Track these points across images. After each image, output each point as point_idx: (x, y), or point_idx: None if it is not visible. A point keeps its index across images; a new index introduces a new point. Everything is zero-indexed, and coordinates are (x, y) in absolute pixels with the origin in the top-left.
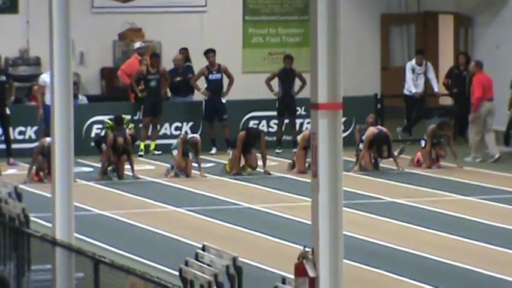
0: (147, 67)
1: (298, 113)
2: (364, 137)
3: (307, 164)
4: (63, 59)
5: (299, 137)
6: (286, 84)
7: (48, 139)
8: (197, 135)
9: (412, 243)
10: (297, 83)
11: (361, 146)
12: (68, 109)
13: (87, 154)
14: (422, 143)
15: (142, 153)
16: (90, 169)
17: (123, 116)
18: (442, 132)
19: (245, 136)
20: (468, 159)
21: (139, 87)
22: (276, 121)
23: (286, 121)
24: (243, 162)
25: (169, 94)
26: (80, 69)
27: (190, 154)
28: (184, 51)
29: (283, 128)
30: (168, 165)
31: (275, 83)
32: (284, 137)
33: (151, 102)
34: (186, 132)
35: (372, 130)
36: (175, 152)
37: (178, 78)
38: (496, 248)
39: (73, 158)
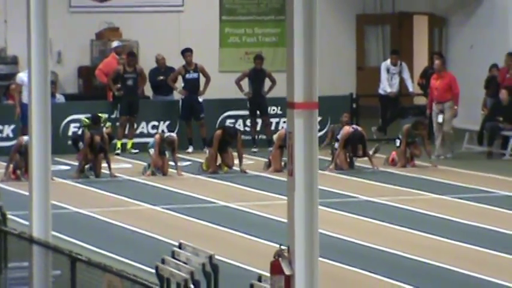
0: (124, 66)
1: (274, 112)
2: (339, 136)
3: (283, 163)
4: (40, 58)
5: (275, 136)
6: (256, 84)
7: (25, 137)
8: (174, 134)
9: (387, 241)
10: (267, 82)
11: (336, 145)
12: (46, 108)
13: (65, 152)
14: (397, 142)
15: (119, 151)
16: (68, 167)
17: (100, 114)
18: (417, 132)
19: (221, 135)
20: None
21: (117, 86)
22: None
23: (259, 120)
24: (219, 161)
25: (148, 93)
26: (57, 68)
27: (167, 153)
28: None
29: (257, 128)
30: (145, 164)
31: (245, 83)
32: (260, 136)
33: (128, 101)
34: (162, 131)
35: (347, 129)
36: (152, 151)
37: (160, 77)
38: (471, 247)
39: (50, 156)
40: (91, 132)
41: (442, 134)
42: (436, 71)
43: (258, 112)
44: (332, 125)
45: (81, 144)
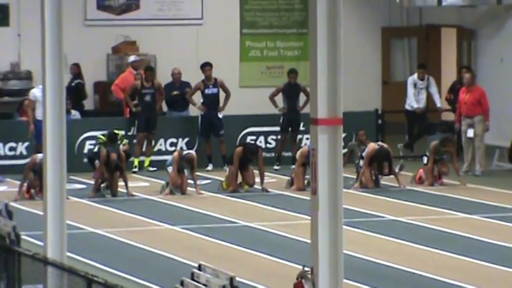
0: (142, 81)
1: (299, 128)
2: (364, 153)
3: (306, 181)
4: (55, 73)
5: (297, 153)
6: (291, 99)
7: (39, 155)
8: (193, 152)
9: (414, 262)
10: (302, 97)
11: (361, 162)
12: (61, 124)
13: (80, 171)
14: (425, 160)
15: (136, 169)
16: (83, 186)
17: (117, 131)
18: (445, 149)
19: (242, 152)
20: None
21: (134, 102)
22: (273, 137)
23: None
24: (240, 179)
25: (165, 109)
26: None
27: (185, 171)
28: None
29: (284, 145)
30: (163, 182)
31: (279, 98)
32: (283, 153)
33: (146, 117)
34: (181, 148)
35: (372, 146)
36: (170, 169)
37: (175, 92)
38: (500, 268)
39: (65, 175)
40: (107, 149)
41: (472, 149)
42: (465, 84)
43: (290, 128)
44: (350, 143)
45: (97, 162)
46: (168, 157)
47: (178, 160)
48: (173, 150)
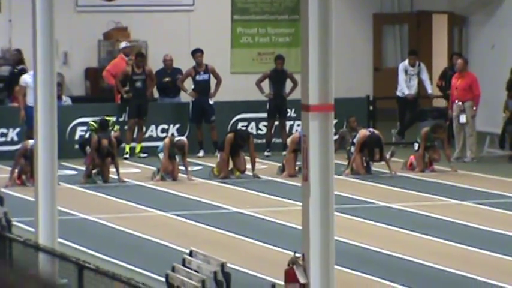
0: (133, 67)
1: (288, 114)
2: (355, 140)
3: (297, 168)
4: (46, 59)
5: (288, 140)
6: (277, 85)
7: (31, 141)
8: (184, 138)
9: (405, 248)
10: (288, 84)
11: (352, 149)
12: (52, 110)
13: (71, 157)
14: (416, 146)
15: (127, 155)
16: (74, 172)
17: (108, 118)
18: (436, 135)
19: (233, 138)
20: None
21: (125, 88)
22: (265, 123)
23: (276, 123)
24: (231, 165)
25: (156, 95)
26: (63, 70)
27: (177, 157)
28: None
29: (273, 130)
30: (155, 169)
31: (265, 84)
32: (273, 140)
33: (137, 103)
34: (172, 135)
35: (363, 132)
36: (161, 155)
37: (167, 79)
38: (491, 254)
39: (56, 161)
40: (98, 135)
41: (463, 135)
42: (458, 70)
43: (277, 115)
44: (341, 129)
45: (88, 148)
46: (160, 143)
47: (170, 147)
48: (164, 137)
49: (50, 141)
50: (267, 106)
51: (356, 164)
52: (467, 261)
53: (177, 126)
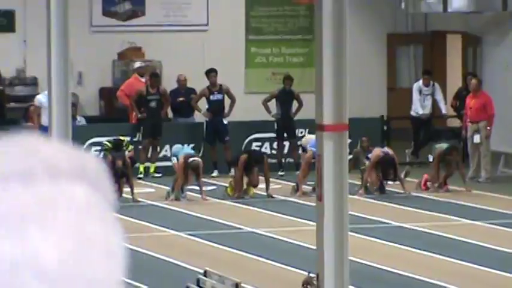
0: (147, 87)
1: (302, 134)
2: (370, 155)
3: (311, 187)
4: (61, 79)
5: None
6: (284, 105)
7: None
8: (198, 158)
9: (419, 268)
10: (295, 104)
11: (366, 163)
12: (66, 130)
13: None
14: (430, 158)
15: (142, 175)
16: None
17: (122, 138)
18: (451, 157)
19: (246, 160)
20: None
21: (140, 110)
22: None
23: (286, 143)
24: (244, 184)
25: (170, 115)
26: (78, 90)
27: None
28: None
29: (283, 151)
30: (169, 188)
31: (272, 104)
32: (286, 160)
33: (151, 123)
34: (188, 155)
35: (377, 152)
36: (174, 160)
37: (181, 99)
38: (507, 275)
39: None
40: (112, 155)
41: (477, 155)
42: (472, 90)
43: (285, 134)
44: (355, 149)
45: None
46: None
47: (184, 167)
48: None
49: None
50: (275, 126)
51: (371, 179)
52: (481, 282)
53: (191, 146)
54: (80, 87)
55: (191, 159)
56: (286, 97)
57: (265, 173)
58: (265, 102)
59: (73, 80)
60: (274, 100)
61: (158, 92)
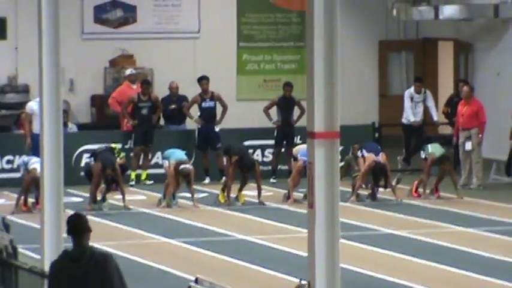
0: (139, 95)
1: (294, 141)
2: (366, 156)
3: (302, 194)
4: (52, 87)
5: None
6: (285, 112)
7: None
8: (190, 166)
9: (411, 276)
10: (296, 111)
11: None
12: (57, 138)
13: (77, 184)
14: (422, 154)
15: (133, 183)
16: (80, 199)
17: (114, 145)
18: (443, 167)
19: (239, 163)
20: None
21: (131, 118)
22: (270, 150)
23: (282, 150)
24: (236, 192)
25: (162, 122)
26: (69, 97)
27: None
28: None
29: (279, 158)
30: (160, 195)
31: (273, 111)
32: (279, 167)
33: (143, 130)
34: (179, 162)
35: (369, 161)
36: (166, 163)
37: (172, 106)
38: (498, 282)
39: (62, 188)
40: (102, 162)
41: (469, 162)
42: (463, 97)
43: (284, 142)
44: (347, 156)
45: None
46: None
47: (175, 175)
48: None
49: (56, 168)
50: (275, 133)
51: (362, 179)
52: None
53: (183, 153)
54: (71, 95)
55: (182, 166)
56: (287, 104)
57: (256, 180)
58: (266, 110)
59: (64, 87)
60: (274, 107)
61: (150, 99)
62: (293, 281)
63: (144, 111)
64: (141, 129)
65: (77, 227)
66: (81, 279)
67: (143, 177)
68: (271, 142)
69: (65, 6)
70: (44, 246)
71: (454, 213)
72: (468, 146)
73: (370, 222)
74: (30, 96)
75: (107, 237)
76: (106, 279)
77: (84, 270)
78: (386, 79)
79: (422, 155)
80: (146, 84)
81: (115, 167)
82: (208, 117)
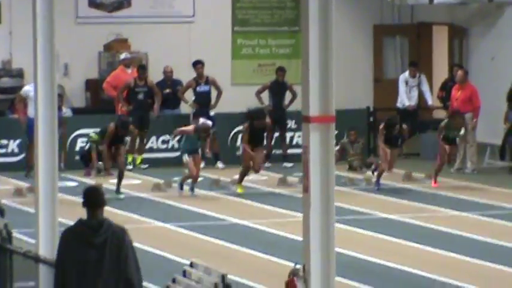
0: (135, 80)
1: (288, 126)
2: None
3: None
4: (47, 71)
5: None
6: (277, 97)
7: None
8: (207, 121)
9: (406, 259)
10: (288, 95)
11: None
12: (52, 122)
13: (72, 168)
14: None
15: (130, 166)
16: (75, 183)
17: (93, 134)
18: (456, 123)
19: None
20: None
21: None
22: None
23: (276, 134)
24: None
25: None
26: (64, 81)
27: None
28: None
29: (272, 142)
30: (176, 179)
31: (265, 95)
32: (273, 151)
33: (139, 115)
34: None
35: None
36: (186, 157)
37: (167, 90)
38: (492, 265)
39: (57, 173)
40: (116, 124)
41: (463, 147)
42: (458, 81)
43: (277, 127)
44: (342, 140)
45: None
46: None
47: (194, 132)
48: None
49: (51, 152)
50: (267, 118)
51: (381, 157)
52: (467, 272)
53: (178, 137)
54: (66, 79)
55: (201, 121)
56: (279, 89)
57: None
58: (258, 94)
59: (59, 72)
60: (266, 91)
61: (146, 84)
62: (288, 265)
63: (140, 96)
64: (137, 114)
65: (94, 199)
66: (100, 247)
67: (138, 161)
68: None
69: None
70: (38, 230)
71: (449, 197)
72: (462, 130)
73: (365, 206)
74: (25, 81)
75: None
76: (123, 249)
77: (102, 238)
78: (381, 63)
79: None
80: (142, 69)
81: (129, 129)
82: (203, 101)
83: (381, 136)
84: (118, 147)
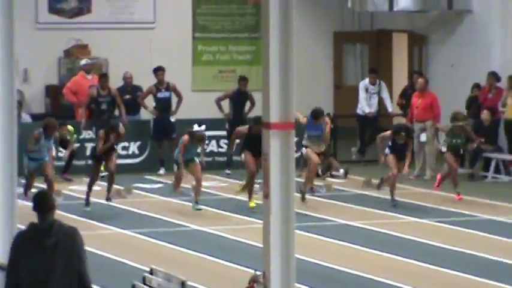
0: (98, 90)
1: None
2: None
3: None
4: (6, 77)
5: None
6: (238, 106)
7: None
8: (202, 130)
9: (365, 266)
10: (248, 104)
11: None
12: (11, 128)
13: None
14: (443, 148)
15: (103, 174)
16: (32, 190)
17: (69, 126)
18: (458, 123)
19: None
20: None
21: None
22: (225, 141)
23: (237, 141)
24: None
25: (116, 113)
26: (23, 87)
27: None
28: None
29: (233, 149)
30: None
31: (225, 102)
32: (233, 158)
33: (102, 125)
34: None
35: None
36: (175, 167)
37: (127, 96)
38: (451, 272)
39: (16, 178)
40: (106, 130)
41: (423, 154)
42: (418, 90)
43: None
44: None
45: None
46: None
47: (189, 141)
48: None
49: (10, 158)
50: (227, 126)
51: (388, 162)
52: (428, 279)
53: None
54: (25, 85)
55: (195, 129)
56: (240, 98)
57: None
58: (218, 101)
59: (18, 77)
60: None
61: (109, 93)
62: (248, 271)
63: (104, 106)
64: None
65: (43, 203)
66: (51, 249)
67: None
68: (226, 133)
69: None
70: None
71: (407, 204)
72: (423, 137)
73: (325, 213)
74: None
75: None
76: (75, 249)
77: (54, 240)
78: (341, 70)
79: (443, 149)
80: (104, 77)
81: (120, 133)
82: (163, 107)
83: (382, 144)
84: (110, 153)
